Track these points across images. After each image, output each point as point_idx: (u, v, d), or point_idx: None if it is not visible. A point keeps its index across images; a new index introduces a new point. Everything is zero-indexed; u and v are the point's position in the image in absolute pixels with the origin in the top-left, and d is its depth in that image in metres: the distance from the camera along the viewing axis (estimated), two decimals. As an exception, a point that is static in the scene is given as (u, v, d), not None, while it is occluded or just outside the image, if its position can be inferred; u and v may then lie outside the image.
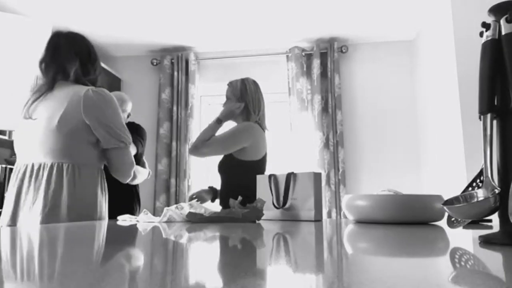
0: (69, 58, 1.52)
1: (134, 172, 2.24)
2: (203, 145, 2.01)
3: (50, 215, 1.40)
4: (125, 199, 2.32)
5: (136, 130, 2.35)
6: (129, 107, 2.44)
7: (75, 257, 0.50)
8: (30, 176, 1.46)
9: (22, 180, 1.47)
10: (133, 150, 2.23)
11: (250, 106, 2.12)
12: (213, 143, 2.02)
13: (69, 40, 1.56)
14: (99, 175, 1.56)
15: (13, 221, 1.44)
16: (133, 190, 2.37)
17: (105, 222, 1.27)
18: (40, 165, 1.46)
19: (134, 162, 1.63)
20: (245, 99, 2.13)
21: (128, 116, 2.45)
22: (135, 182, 2.32)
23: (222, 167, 2.11)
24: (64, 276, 0.36)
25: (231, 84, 2.19)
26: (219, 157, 2.15)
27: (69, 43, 1.55)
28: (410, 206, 1.08)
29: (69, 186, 1.45)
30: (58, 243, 0.67)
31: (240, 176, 1.97)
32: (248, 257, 0.50)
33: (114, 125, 1.51)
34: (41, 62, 1.55)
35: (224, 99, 2.21)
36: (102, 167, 1.60)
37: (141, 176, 2.34)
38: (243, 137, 2.03)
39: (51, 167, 1.44)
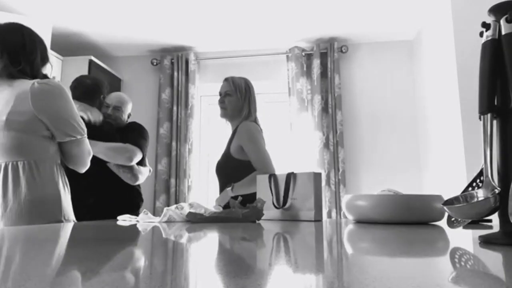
0: None
1: (137, 172, 2.26)
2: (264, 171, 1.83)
3: (12, 218, 1.32)
4: (129, 198, 2.32)
5: (138, 131, 2.35)
6: (129, 107, 2.44)
7: (76, 257, 0.50)
8: None
9: None
10: (139, 154, 2.22)
11: (252, 105, 2.12)
12: (262, 163, 1.91)
13: None
14: (59, 170, 1.47)
15: None
16: (135, 190, 2.37)
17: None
18: None
19: (91, 151, 1.54)
20: (249, 98, 2.12)
21: (128, 117, 2.45)
22: (138, 182, 2.32)
23: (221, 169, 2.08)
24: (63, 276, 0.36)
25: (232, 80, 2.16)
26: (217, 158, 2.14)
27: None
28: (410, 206, 1.08)
29: (28, 185, 1.35)
30: (56, 244, 0.67)
31: (240, 176, 1.95)
32: (248, 257, 0.50)
33: (68, 116, 1.43)
34: None
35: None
36: (60, 161, 1.50)
37: (143, 175, 2.35)
38: (260, 134, 2.03)
39: (5, 167, 1.35)
